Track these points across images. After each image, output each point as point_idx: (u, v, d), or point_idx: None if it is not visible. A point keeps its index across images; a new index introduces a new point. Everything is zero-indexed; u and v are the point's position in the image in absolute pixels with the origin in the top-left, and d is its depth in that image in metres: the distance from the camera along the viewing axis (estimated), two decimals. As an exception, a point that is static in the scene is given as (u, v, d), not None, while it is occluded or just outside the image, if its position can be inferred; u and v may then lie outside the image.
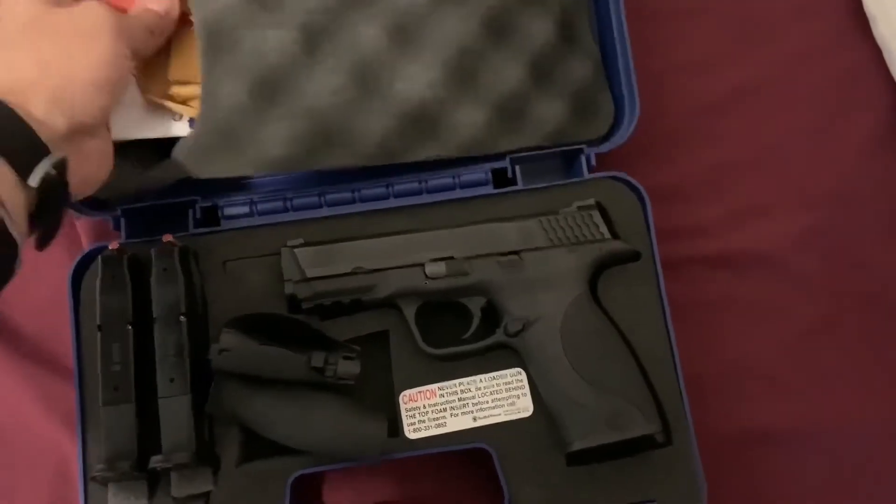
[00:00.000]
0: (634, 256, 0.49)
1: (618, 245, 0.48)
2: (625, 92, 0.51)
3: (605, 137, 0.52)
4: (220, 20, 0.47)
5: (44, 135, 0.38)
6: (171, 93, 0.49)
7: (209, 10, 0.47)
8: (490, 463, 0.47)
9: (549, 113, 0.51)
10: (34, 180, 0.37)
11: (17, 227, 0.37)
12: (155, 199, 0.50)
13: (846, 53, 0.57)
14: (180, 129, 0.49)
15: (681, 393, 0.47)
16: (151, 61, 0.48)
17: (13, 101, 0.37)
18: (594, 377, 0.46)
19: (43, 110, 0.38)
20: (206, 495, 0.46)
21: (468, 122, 0.50)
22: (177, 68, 0.49)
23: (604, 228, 0.48)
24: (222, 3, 0.47)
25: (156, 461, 0.44)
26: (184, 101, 0.49)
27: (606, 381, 0.46)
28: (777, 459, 0.51)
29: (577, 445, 0.45)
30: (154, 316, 0.47)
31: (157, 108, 0.49)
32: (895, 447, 0.51)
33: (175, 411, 0.45)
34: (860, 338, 0.53)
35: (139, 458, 0.45)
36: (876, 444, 0.52)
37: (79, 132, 0.40)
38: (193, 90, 0.48)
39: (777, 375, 0.53)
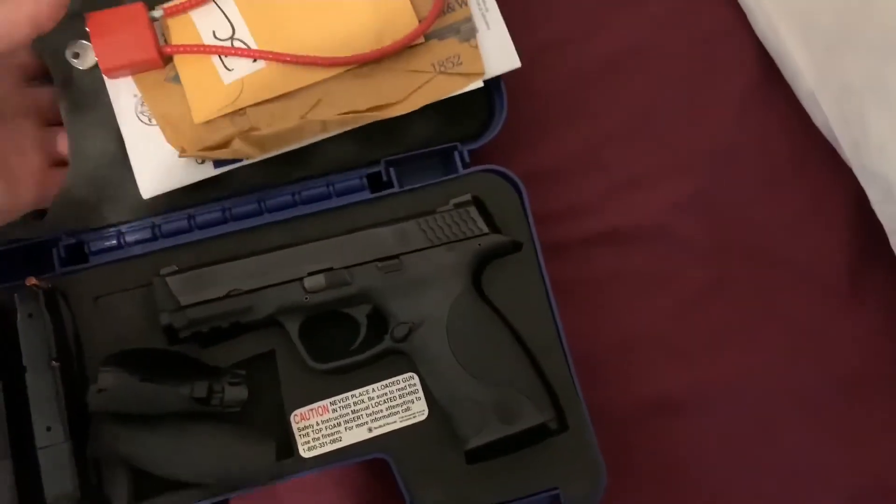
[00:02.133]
0: (515, 247, 0.49)
1: (496, 238, 0.48)
2: (492, 87, 0.51)
3: (478, 133, 0.52)
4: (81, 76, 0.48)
5: None
6: (202, 139, 0.47)
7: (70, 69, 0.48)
8: (391, 470, 0.46)
9: (423, 128, 0.51)
10: None
11: None
12: (15, 241, 0.48)
13: (709, 14, 0.58)
14: (206, 170, 0.48)
15: (572, 377, 0.48)
16: (170, 113, 0.47)
17: None
18: (483, 373, 0.45)
19: None
20: (100, 542, 0.44)
21: (339, 149, 0.50)
22: (198, 111, 0.47)
23: (481, 223, 0.48)
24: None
25: (39, 514, 0.42)
26: (217, 147, 0.47)
27: (495, 375, 0.46)
28: (676, 427, 0.52)
29: (472, 443, 0.45)
30: (24, 364, 0.45)
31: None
32: (791, 400, 0.53)
33: (55, 460, 0.43)
34: (749, 294, 0.54)
35: (22, 514, 0.43)
36: (772, 399, 0.53)
37: None
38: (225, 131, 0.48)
39: (669, 342, 0.53)
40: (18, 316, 0.45)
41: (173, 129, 0.48)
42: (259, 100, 0.48)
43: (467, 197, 0.49)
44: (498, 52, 0.50)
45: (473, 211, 0.48)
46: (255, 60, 0.48)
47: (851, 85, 0.49)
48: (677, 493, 0.52)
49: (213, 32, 0.48)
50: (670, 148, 0.56)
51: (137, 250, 0.48)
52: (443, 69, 0.49)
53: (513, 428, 0.45)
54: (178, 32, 0.48)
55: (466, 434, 0.45)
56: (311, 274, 0.47)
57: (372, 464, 0.47)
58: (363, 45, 0.48)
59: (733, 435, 0.52)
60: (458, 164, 0.50)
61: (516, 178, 0.50)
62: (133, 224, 0.49)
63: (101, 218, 0.49)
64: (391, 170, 0.50)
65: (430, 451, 0.47)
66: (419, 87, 0.49)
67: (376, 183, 0.51)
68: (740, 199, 0.56)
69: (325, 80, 0.48)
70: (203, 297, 0.46)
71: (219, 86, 0.48)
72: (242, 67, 0.48)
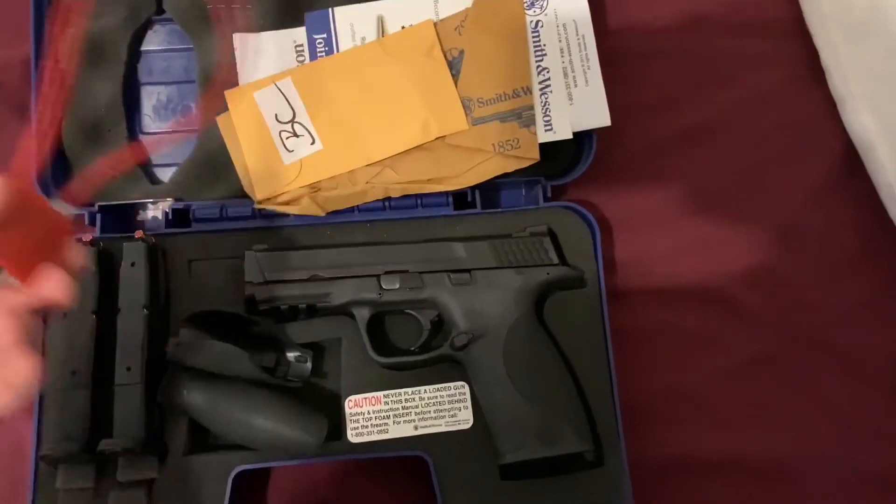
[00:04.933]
0: (580, 282, 0.52)
1: (564, 271, 0.51)
2: (584, 136, 0.54)
3: (563, 173, 0.55)
4: None
5: None
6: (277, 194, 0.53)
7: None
8: (427, 471, 0.48)
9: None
10: None
11: None
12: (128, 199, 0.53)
13: (799, 102, 0.60)
14: None
15: (616, 416, 0.49)
16: (250, 164, 0.53)
17: None
18: (531, 393, 0.47)
19: None
20: (150, 482, 0.47)
21: None
22: (260, 190, 0.53)
23: (552, 254, 0.51)
24: None
25: (105, 444, 0.46)
26: (288, 203, 0.53)
27: (543, 398, 0.48)
28: (707, 488, 0.53)
29: (509, 458, 0.47)
30: (118, 307, 0.49)
31: None
32: (822, 487, 0.53)
33: (128, 399, 0.47)
34: (795, 374, 0.55)
35: (89, 442, 0.46)
36: (803, 481, 0.53)
37: None
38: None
39: (712, 406, 0.54)
40: (122, 263, 0.50)
41: (250, 176, 0.53)
42: (316, 180, 0.53)
43: (543, 227, 0.52)
44: (591, 109, 0.54)
45: (547, 241, 0.51)
46: (312, 143, 0.53)
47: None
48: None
49: (276, 115, 0.54)
50: (743, 220, 0.58)
51: (235, 225, 0.53)
52: (501, 150, 0.53)
53: (551, 451, 0.46)
54: (241, 114, 0.53)
55: (505, 449, 0.47)
56: (387, 273, 0.50)
57: (410, 464, 0.49)
58: (412, 131, 0.53)
59: (760, 504, 0.53)
60: (540, 196, 0.54)
61: (592, 219, 0.52)
62: (236, 201, 0.53)
63: (210, 193, 0.54)
64: (476, 192, 0.54)
65: (468, 459, 0.48)
66: (478, 165, 0.53)
67: (461, 201, 0.54)
68: (803, 280, 0.57)
69: (393, 148, 0.53)
70: (287, 277, 0.50)
71: (279, 166, 0.53)
72: (302, 150, 0.53)
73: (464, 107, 0.54)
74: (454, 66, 0.54)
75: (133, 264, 0.50)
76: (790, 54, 0.61)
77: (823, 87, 0.60)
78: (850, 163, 0.58)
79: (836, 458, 0.53)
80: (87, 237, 0.50)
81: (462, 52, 0.54)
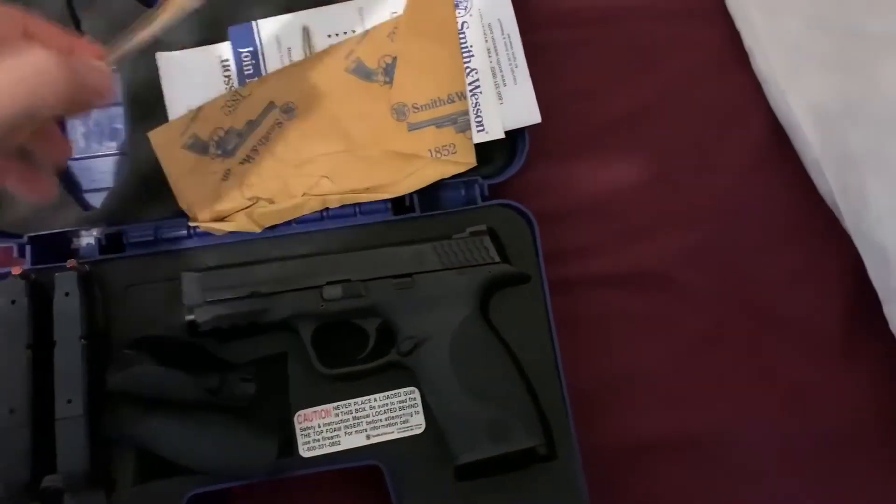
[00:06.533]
0: (523, 279, 0.52)
1: (506, 268, 0.51)
2: (516, 133, 0.55)
3: (499, 171, 0.55)
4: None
5: None
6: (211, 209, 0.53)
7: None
8: (384, 479, 0.48)
9: None
10: None
11: None
12: (59, 227, 0.52)
13: (726, 84, 0.61)
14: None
15: (566, 408, 0.50)
16: (182, 179, 0.52)
17: None
18: (479, 392, 0.48)
19: None
20: (100, 516, 0.46)
21: None
22: (196, 210, 0.52)
23: (493, 252, 0.51)
24: None
25: (49, 480, 0.45)
26: (222, 218, 0.53)
27: (491, 396, 0.48)
28: (662, 469, 0.53)
29: (462, 459, 0.47)
30: (54, 338, 0.48)
31: None
32: (776, 454, 0.54)
33: (70, 432, 0.46)
34: (744, 349, 0.56)
35: (32, 480, 0.45)
36: (758, 451, 0.54)
37: None
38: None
39: (663, 387, 0.55)
40: (56, 293, 0.48)
41: (185, 195, 0.52)
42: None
43: (483, 227, 0.52)
44: (521, 107, 0.55)
45: (487, 240, 0.51)
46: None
47: (854, 157, 0.52)
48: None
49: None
50: (679, 201, 0.59)
51: (171, 247, 0.52)
52: (438, 156, 0.53)
53: (503, 448, 0.47)
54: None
55: (458, 450, 0.47)
56: (329, 283, 0.50)
57: (365, 474, 0.49)
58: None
59: (718, 482, 0.53)
60: (478, 196, 0.54)
61: (530, 214, 0.53)
62: (169, 221, 0.52)
63: (144, 215, 0.53)
64: (414, 196, 0.54)
65: (422, 464, 0.48)
66: (415, 172, 0.53)
67: (399, 206, 0.54)
68: (742, 255, 0.58)
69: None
70: (226, 296, 0.49)
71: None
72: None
73: (399, 113, 0.54)
74: (388, 73, 0.54)
75: (67, 294, 0.49)
76: (713, 37, 0.62)
77: (749, 68, 0.61)
78: (778, 140, 0.60)
79: (789, 426, 0.55)
80: (17, 270, 0.49)
81: (395, 58, 0.54)
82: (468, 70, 0.54)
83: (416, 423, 0.49)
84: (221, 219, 0.52)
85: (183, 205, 0.52)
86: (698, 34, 0.63)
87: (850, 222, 0.54)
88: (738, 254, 0.58)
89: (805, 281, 0.57)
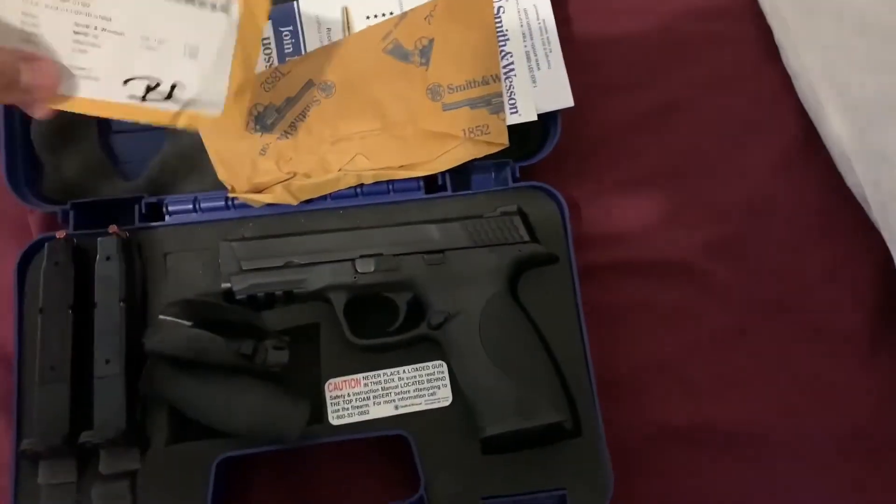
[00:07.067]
0: (552, 259, 0.53)
1: (536, 248, 0.52)
2: (548, 117, 0.56)
3: (531, 154, 0.56)
4: None
5: None
6: (250, 180, 0.54)
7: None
8: (410, 450, 0.49)
9: None
10: None
11: None
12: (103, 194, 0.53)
13: (758, 79, 0.62)
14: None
15: (591, 387, 0.50)
16: (223, 152, 0.53)
17: None
18: (507, 368, 0.48)
19: None
20: (133, 474, 0.48)
21: None
22: (235, 182, 0.53)
23: (523, 232, 0.52)
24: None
25: (86, 436, 0.46)
26: (261, 190, 0.54)
27: (519, 372, 0.48)
28: (680, 457, 0.54)
29: (489, 431, 0.48)
30: (94, 301, 0.49)
31: None
32: (795, 449, 0.54)
33: (108, 391, 0.47)
34: (768, 343, 0.56)
35: (70, 436, 0.47)
36: (777, 445, 0.54)
37: None
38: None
39: (685, 377, 0.55)
40: (97, 257, 0.50)
41: (225, 167, 0.53)
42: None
43: (513, 207, 0.53)
44: (554, 91, 0.56)
45: (517, 220, 0.52)
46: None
47: (885, 152, 0.53)
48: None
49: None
50: (709, 194, 0.60)
51: (209, 217, 0.53)
52: (471, 135, 0.54)
53: (529, 422, 0.47)
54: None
55: (485, 423, 0.48)
56: (362, 257, 0.51)
57: (392, 444, 0.50)
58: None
59: (734, 474, 0.54)
60: (509, 177, 0.55)
61: (561, 198, 0.54)
62: (209, 193, 0.54)
63: (184, 186, 0.54)
64: (447, 175, 0.55)
65: (448, 436, 0.49)
66: (448, 151, 0.54)
67: (432, 185, 0.55)
68: (770, 250, 0.58)
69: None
70: (263, 265, 0.50)
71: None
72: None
73: (434, 93, 0.55)
74: (424, 55, 0.55)
75: (108, 258, 0.50)
76: (746, 34, 0.63)
77: (780, 65, 0.61)
78: (808, 136, 0.60)
79: (810, 422, 0.55)
80: (62, 234, 0.51)
81: (432, 40, 0.55)
82: (503, 53, 0.55)
83: (444, 396, 0.50)
84: (259, 191, 0.53)
85: (222, 177, 0.53)
86: (730, 30, 0.63)
87: (878, 216, 0.54)
88: (766, 249, 0.58)
89: (832, 277, 0.57)
